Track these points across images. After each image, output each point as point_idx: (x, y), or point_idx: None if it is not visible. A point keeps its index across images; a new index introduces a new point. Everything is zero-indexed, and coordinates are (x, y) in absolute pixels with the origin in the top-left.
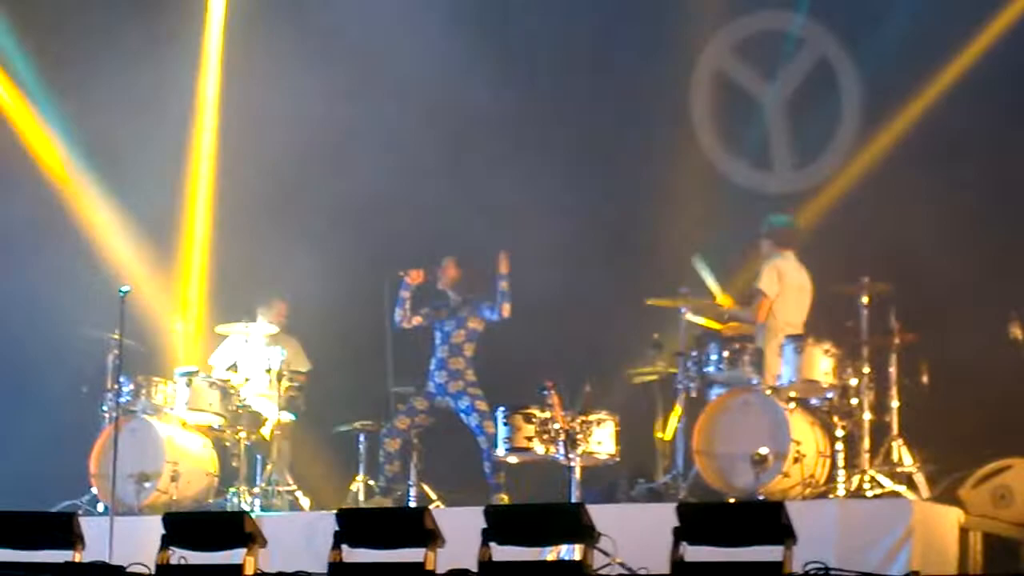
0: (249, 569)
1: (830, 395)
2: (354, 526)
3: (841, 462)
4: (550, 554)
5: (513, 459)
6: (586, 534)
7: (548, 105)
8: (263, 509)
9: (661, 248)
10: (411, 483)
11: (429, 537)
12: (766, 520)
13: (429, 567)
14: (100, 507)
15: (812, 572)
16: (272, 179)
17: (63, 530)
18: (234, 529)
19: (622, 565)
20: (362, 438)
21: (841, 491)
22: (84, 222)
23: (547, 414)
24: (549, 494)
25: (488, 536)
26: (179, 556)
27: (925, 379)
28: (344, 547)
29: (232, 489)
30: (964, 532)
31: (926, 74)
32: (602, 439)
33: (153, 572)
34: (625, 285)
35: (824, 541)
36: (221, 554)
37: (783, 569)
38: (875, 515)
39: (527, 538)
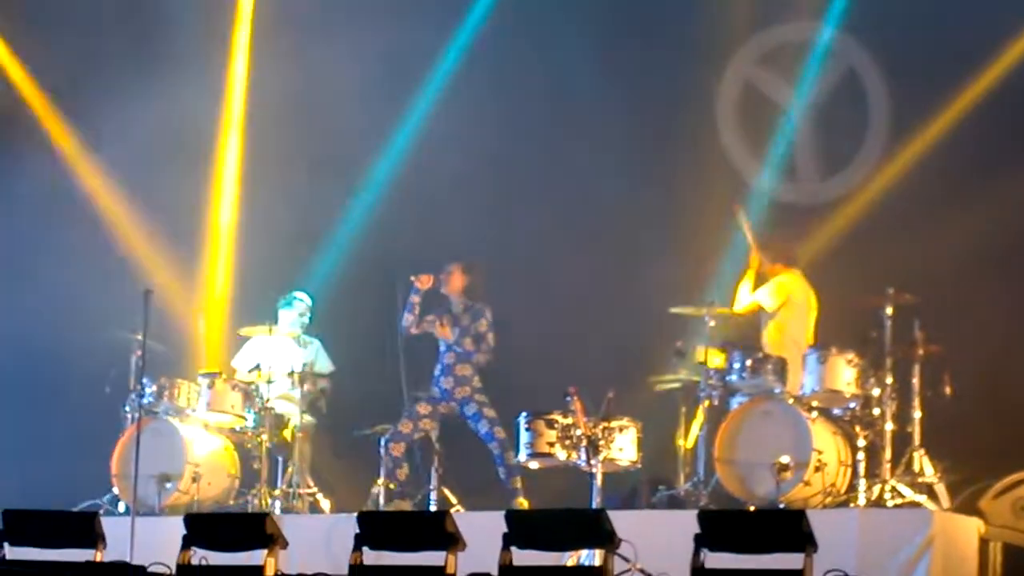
0: (270, 570)
1: (852, 405)
2: (375, 529)
3: (862, 472)
4: (570, 559)
5: (535, 464)
6: (607, 540)
7: (574, 111)
8: (283, 511)
9: (686, 257)
10: (432, 487)
11: (450, 540)
12: (787, 528)
13: (450, 571)
14: (121, 507)
15: None
16: (296, 179)
17: (85, 529)
18: (255, 530)
19: (642, 571)
20: (382, 442)
21: (862, 500)
22: (110, 222)
23: (569, 420)
24: (569, 500)
25: (509, 540)
26: (200, 556)
27: (948, 390)
28: (365, 549)
29: (253, 491)
30: (984, 543)
31: (953, 86)
32: (624, 446)
33: (174, 572)
34: (649, 293)
35: (844, 550)
36: (242, 555)
37: None
38: (896, 525)
39: (548, 543)
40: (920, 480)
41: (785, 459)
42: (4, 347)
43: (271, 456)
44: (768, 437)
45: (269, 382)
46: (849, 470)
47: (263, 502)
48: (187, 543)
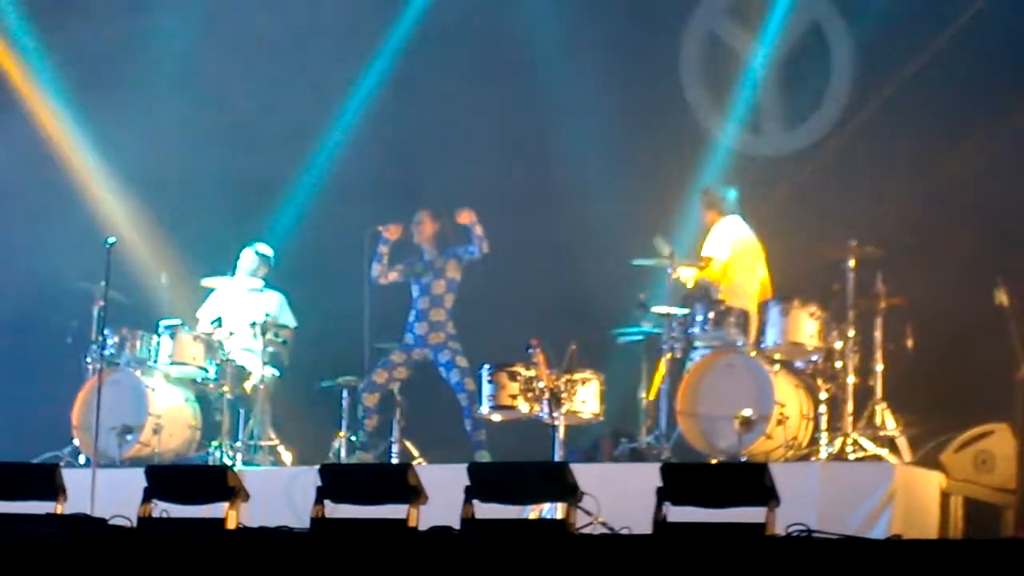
0: (231, 523)
1: (815, 358)
2: (337, 482)
3: (824, 425)
4: (532, 512)
5: (497, 417)
6: (570, 493)
7: (537, 63)
8: (245, 463)
9: (649, 209)
10: (393, 440)
11: (413, 493)
12: (750, 481)
13: (412, 524)
14: (82, 459)
15: (795, 534)
16: (255, 133)
17: (46, 481)
18: (217, 483)
19: (604, 524)
20: (345, 394)
21: (824, 454)
22: (72, 173)
23: (532, 372)
24: (531, 453)
25: (471, 493)
26: (161, 509)
27: (910, 343)
28: (327, 502)
29: (214, 443)
30: (945, 496)
31: (917, 38)
32: (586, 398)
33: (135, 524)
34: (612, 245)
35: (806, 503)
36: (203, 507)
37: (766, 530)
38: (857, 478)
39: (510, 496)
40: (882, 434)
41: (747, 412)
42: None
43: (232, 408)
44: (730, 390)
45: (231, 334)
46: (811, 423)
47: (224, 454)
48: (148, 495)
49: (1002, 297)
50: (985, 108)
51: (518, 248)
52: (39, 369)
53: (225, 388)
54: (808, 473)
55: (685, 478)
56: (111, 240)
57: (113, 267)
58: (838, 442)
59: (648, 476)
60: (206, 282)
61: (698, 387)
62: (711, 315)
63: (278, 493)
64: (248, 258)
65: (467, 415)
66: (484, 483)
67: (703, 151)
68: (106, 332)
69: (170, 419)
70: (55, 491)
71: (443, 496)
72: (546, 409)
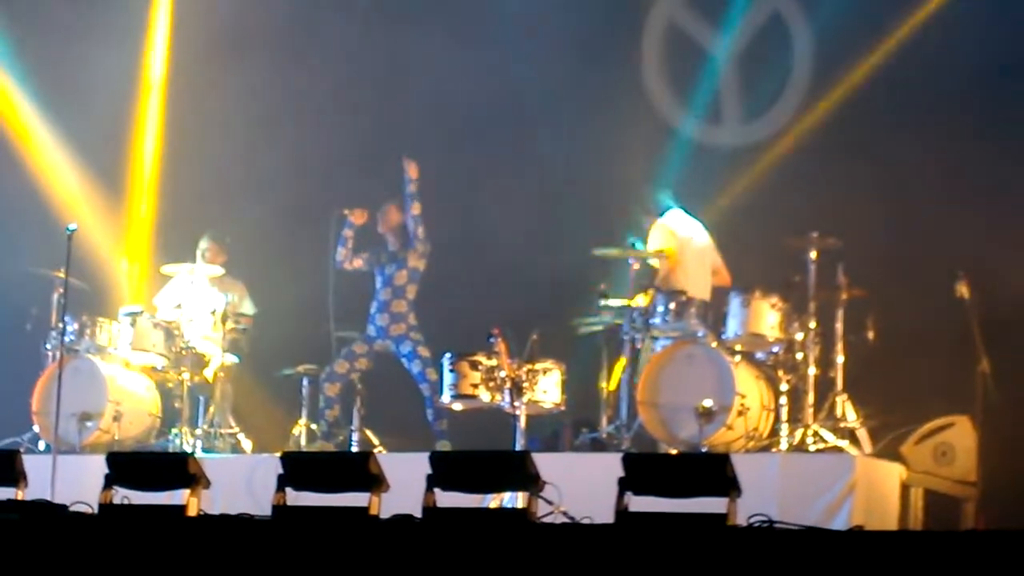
0: (192, 510)
1: (776, 349)
2: (298, 469)
3: (785, 416)
4: (492, 501)
5: (458, 406)
6: (531, 482)
7: (498, 51)
8: (205, 451)
9: (609, 199)
10: (353, 428)
11: (374, 482)
12: (711, 472)
13: (373, 512)
14: (41, 445)
15: (756, 524)
16: (221, 119)
17: (6, 467)
18: (178, 470)
19: (565, 514)
20: (305, 382)
21: (784, 445)
22: (30, 158)
23: (493, 362)
24: (492, 442)
25: (433, 482)
26: (122, 496)
27: (871, 335)
28: (288, 490)
29: (174, 430)
30: (905, 488)
31: (878, 30)
32: (548, 388)
33: (96, 511)
34: (573, 236)
35: (767, 494)
36: (164, 494)
37: (727, 521)
38: (818, 469)
39: (472, 485)
40: (842, 425)
41: (708, 403)
42: None
43: (192, 396)
44: (691, 381)
45: (190, 321)
46: (772, 414)
47: (184, 441)
48: (109, 482)
49: (963, 289)
50: (947, 99)
51: (479, 237)
52: None
53: (185, 376)
54: (769, 464)
55: (647, 468)
56: (71, 227)
57: (73, 253)
58: (799, 433)
59: (609, 466)
60: (166, 269)
61: (659, 377)
62: (672, 306)
63: (239, 480)
64: (207, 245)
65: (429, 405)
66: (446, 472)
67: (664, 141)
68: (66, 318)
69: (130, 406)
70: (15, 477)
71: (404, 485)
72: (507, 398)
